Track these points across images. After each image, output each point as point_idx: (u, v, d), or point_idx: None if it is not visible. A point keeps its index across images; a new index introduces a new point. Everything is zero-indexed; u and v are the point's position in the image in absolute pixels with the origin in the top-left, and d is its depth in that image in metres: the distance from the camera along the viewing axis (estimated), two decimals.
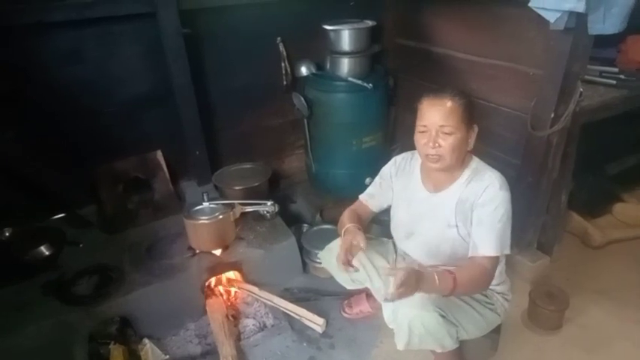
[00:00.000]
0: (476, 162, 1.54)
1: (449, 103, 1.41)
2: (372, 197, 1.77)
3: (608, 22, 1.58)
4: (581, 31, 1.67)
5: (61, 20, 1.92)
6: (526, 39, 1.95)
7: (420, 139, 1.47)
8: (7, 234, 2.02)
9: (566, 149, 2.02)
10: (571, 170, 2.14)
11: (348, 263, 1.55)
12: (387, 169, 1.75)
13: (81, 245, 2.10)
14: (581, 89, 1.86)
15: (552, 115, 1.87)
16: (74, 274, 1.94)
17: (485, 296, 1.59)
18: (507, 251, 1.48)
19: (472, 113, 1.46)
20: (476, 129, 1.49)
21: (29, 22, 1.87)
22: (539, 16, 1.66)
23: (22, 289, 1.89)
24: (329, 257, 1.80)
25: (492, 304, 1.60)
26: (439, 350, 1.50)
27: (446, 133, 1.41)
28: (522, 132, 2.02)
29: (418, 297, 1.42)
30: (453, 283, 1.34)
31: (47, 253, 1.99)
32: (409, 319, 1.40)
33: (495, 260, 1.44)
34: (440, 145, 1.42)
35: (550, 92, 1.85)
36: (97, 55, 2.13)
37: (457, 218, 1.50)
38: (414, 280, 1.26)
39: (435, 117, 1.42)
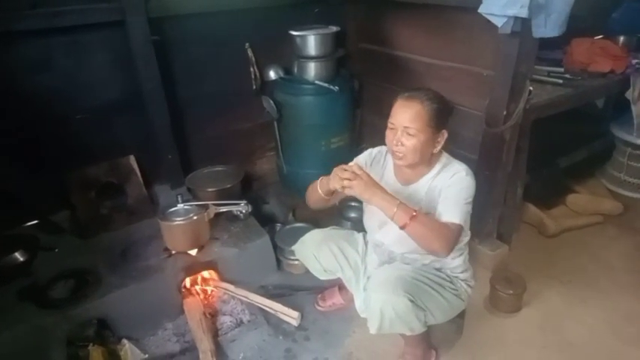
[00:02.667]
0: (445, 157, 1.63)
1: (417, 107, 1.48)
2: None
3: (549, 27, 1.73)
4: (526, 35, 1.80)
5: (31, 29, 1.94)
6: (478, 42, 2.10)
7: (388, 135, 1.55)
8: None
9: (519, 144, 2.16)
10: (525, 164, 2.29)
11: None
12: (362, 158, 1.78)
13: (56, 250, 2.11)
14: (531, 88, 2.01)
15: (505, 113, 2.00)
16: (50, 279, 1.95)
17: (451, 282, 1.70)
18: (467, 230, 1.57)
19: (442, 119, 1.53)
20: (445, 134, 1.55)
21: (4, 30, 1.88)
22: (489, 21, 1.79)
23: None
24: (303, 250, 1.88)
25: (456, 290, 1.70)
26: (408, 333, 1.59)
27: (409, 134, 1.49)
28: (478, 129, 2.15)
29: (388, 283, 1.53)
30: (412, 218, 1.39)
31: (21, 259, 1.99)
32: (381, 303, 1.50)
33: (457, 229, 1.47)
34: (403, 144, 1.50)
35: (501, 91, 1.99)
36: (66, 64, 2.14)
37: (428, 206, 1.57)
38: (366, 181, 1.40)
39: (402, 117, 1.50)
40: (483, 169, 2.17)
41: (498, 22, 1.77)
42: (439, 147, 1.57)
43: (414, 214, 1.40)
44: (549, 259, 2.45)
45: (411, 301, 1.50)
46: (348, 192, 1.44)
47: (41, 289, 1.91)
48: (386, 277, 1.60)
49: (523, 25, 1.78)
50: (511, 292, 2.06)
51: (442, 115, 1.53)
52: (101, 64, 2.24)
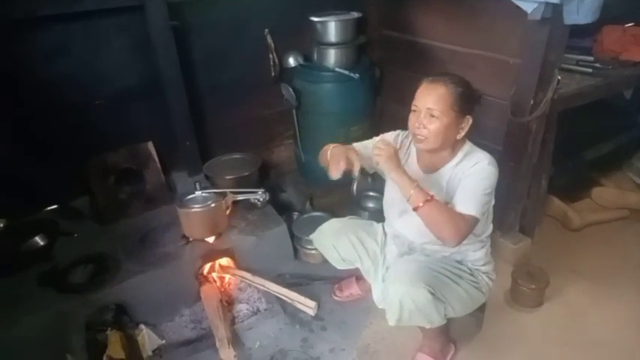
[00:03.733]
0: (469, 145, 1.60)
1: (441, 89, 1.46)
2: (365, 148, 1.72)
3: (581, 13, 1.65)
4: (556, 21, 1.74)
5: (49, 14, 1.92)
6: (505, 29, 2.02)
7: (411, 118, 1.53)
8: (1, 225, 2.04)
9: (545, 135, 2.10)
10: (550, 155, 2.23)
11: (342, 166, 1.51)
12: (389, 137, 1.75)
13: (75, 236, 2.12)
14: (559, 77, 1.94)
15: (532, 102, 1.94)
16: (69, 264, 1.97)
17: (471, 275, 1.67)
18: (489, 222, 1.56)
19: (467, 104, 1.50)
20: (469, 120, 1.52)
21: (17, 18, 1.86)
22: (517, 7, 1.73)
23: (17, 279, 1.90)
24: (321, 239, 1.87)
25: (477, 283, 1.67)
26: (428, 326, 1.57)
27: (432, 116, 1.46)
28: (503, 119, 2.09)
29: (408, 274, 1.51)
30: (426, 201, 1.41)
31: (42, 243, 2.02)
32: (400, 295, 1.47)
33: (471, 220, 1.45)
34: (425, 127, 1.48)
35: (529, 80, 1.93)
36: (84, 50, 2.13)
37: (447, 196, 1.54)
38: (392, 154, 1.46)
39: (426, 99, 1.48)
40: (507, 160, 2.11)
41: (528, 7, 1.70)
42: (463, 133, 1.53)
43: (429, 198, 1.41)
44: (572, 254, 2.39)
45: (431, 293, 1.48)
46: (378, 159, 1.48)
47: (61, 273, 1.93)
48: (405, 268, 1.57)
49: (554, 11, 1.71)
50: (533, 286, 2.02)
51: (467, 100, 1.50)
52: (120, 50, 2.22)
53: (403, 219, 1.69)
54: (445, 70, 2.33)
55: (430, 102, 1.47)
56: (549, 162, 2.26)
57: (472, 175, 1.49)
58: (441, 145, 1.52)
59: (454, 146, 1.57)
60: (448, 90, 1.46)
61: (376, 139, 1.73)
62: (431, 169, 1.62)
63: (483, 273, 1.70)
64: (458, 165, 1.55)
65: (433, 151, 1.56)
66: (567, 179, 2.72)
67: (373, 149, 1.50)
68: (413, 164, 1.68)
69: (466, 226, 1.44)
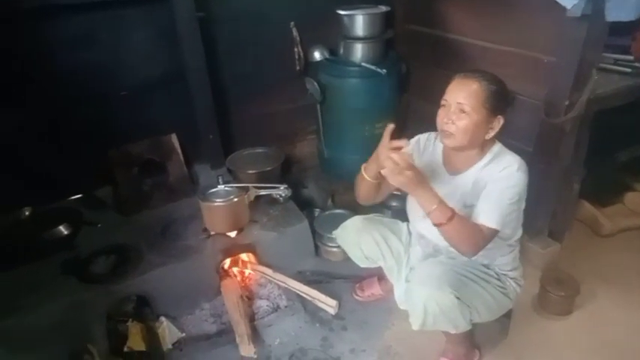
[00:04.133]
0: (498, 147, 1.55)
1: (474, 85, 1.42)
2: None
3: (625, 9, 1.58)
4: (596, 18, 1.66)
5: (75, 3, 1.93)
6: (540, 26, 1.95)
7: (439, 113, 1.48)
8: (26, 213, 2.07)
9: (579, 137, 2.02)
10: (583, 158, 2.15)
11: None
12: (409, 147, 1.69)
13: (99, 225, 2.13)
14: (596, 77, 1.86)
15: (567, 103, 1.87)
16: (92, 254, 1.98)
17: (499, 280, 1.62)
18: (518, 227, 1.53)
19: (500, 103, 1.45)
20: (501, 120, 1.47)
21: (43, 4, 1.86)
22: (554, 2, 1.65)
23: (40, 268, 1.92)
24: (344, 235, 1.83)
25: (504, 288, 1.62)
26: (453, 331, 1.53)
27: (462, 111, 1.42)
28: (535, 119, 2.02)
29: (433, 277, 1.47)
30: (448, 219, 1.36)
31: (66, 232, 2.03)
32: (424, 299, 1.43)
33: (491, 233, 1.43)
34: (453, 123, 1.43)
35: (564, 80, 1.85)
36: (109, 40, 2.14)
37: (473, 198, 1.50)
38: (412, 174, 1.32)
39: (457, 94, 1.43)
40: (538, 162, 2.03)
41: (568, 3, 1.63)
42: (492, 134, 1.48)
43: (451, 215, 1.37)
44: (603, 261, 2.31)
45: (457, 297, 1.43)
46: (392, 181, 1.36)
47: (83, 263, 1.94)
48: (430, 271, 1.53)
49: (594, 7, 1.63)
50: (563, 294, 1.95)
51: (500, 99, 1.45)
52: (144, 40, 2.22)
53: (427, 221, 1.63)
54: (476, 68, 2.27)
55: (461, 97, 1.42)
56: (582, 164, 2.18)
57: (499, 182, 1.44)
58: (469, 143, 1.47)
59: (482, 146, 1.51)
60: (481, 86, 1.42)
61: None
62: (457, 170, 1.57)
63: (511, 278, 1.65)
64: (485, 167, 1.50)
65: (460, 149, 1.50)
66: (599, 182, 2.62)
67: (387, 175, 1.34)
68: (438, 166, 1.63)
69: (484, 241, 1.43)
